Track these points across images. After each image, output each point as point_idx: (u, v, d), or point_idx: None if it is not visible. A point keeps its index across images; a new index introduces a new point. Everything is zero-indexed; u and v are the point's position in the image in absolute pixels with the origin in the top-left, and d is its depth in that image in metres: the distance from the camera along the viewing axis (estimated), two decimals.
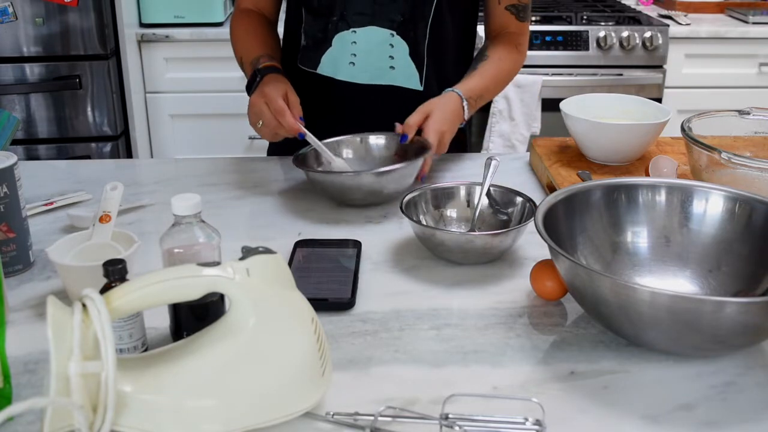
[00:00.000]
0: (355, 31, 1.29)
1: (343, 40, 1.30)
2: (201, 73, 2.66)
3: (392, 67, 1.32)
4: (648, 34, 2.62)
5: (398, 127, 1.22)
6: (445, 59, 1.35)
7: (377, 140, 1.28)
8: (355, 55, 1.31)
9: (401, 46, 1.30)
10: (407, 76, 1.33)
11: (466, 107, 1.24)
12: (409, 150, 1.22)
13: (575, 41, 2.63)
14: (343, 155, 1.27)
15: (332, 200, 1.19)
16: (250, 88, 1.26)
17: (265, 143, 1.50)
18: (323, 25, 1.31)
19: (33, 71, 2.40)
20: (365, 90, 1.32)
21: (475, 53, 1.39)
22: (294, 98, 1.20)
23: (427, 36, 1.31)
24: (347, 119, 1.32)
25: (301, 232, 1.10)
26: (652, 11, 2.98)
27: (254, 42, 1.33)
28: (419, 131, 1.20)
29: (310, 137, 1.19)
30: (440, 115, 1.20)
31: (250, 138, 2.71)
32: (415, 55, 1.32)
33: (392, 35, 1.29)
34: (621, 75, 2.64)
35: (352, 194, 1.15)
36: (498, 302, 0.93)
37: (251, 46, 1.32)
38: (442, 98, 1.24)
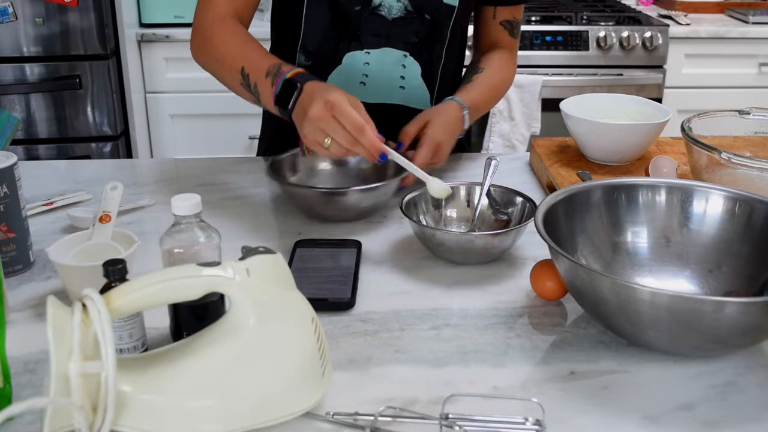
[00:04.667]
0: (368, 53, 1.27)
1: (354, 59, 1.28)
2: (201, 73, 2.61)
3: (402, 87, 1.30)
4: (648, 34, 2.62)
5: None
6: (454, 78, 1.35)
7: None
8: (366, 75, 1.29)
9: (413, 67, 1.29)
10: (418, 96, 1.31)
11: (466, 116, 1.22)
12: (390, 164, 1.17)
13: (575, 41, 2.63)
14: (320, 167, 1.21)
15: (305, 214, 1.14)
16: (281, 101, 1.06)
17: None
18: (334, 44, 1.27)
19: (33, 71, 2.40)
20: (373, 109, 1.18)
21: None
22: (364, 111, 1.01)
23: (443, 58, 1.31)
24: None
25: (301, 232, 1.10)
26: (652, 11, 2.98)
27: (258, 50, 1.14)
28: (416, 141, 1.17)
29: (397, 156, 1.04)
30: (439, 124, 1.17)
31: (250, 138, 2.71)
32: (427, 77, 1.31)
33: (405, 56, 1.28)
34: (621, 75, 2.64)
35: (325, 210, 1.11)
36: (498, 302, 0.93)
37: (255, 54, 1.13)
38: (442, 107, 1.21)
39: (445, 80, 1.33)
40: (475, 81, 1.28)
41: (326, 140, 0.98)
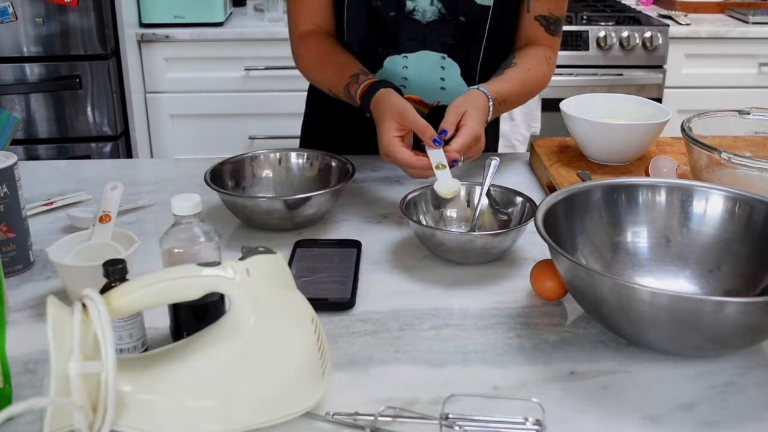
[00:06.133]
0: (406, 57, 1.28)
1: (394, 63, 1.29)
2: (201, 73, 2.66)
3: (443, 88, 1.31)
4: (648, 34, 2.62)
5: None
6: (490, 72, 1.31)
7: (298, 159, 1.22)
8: (406, 78, 1.30)
9: (452, 68, 1.29)
10: (458, 95, 1.27)
11: (491, 108, 1.17)
12: (332, 172, 1.18)
13: (575, 41, 2.63)
14: (263, 174, 1.20)
15: (245, 223, 1.12)
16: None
17: (265, 143, 1.50)
18: (373, 48, 1.29)
19: (33, 71, 2.40)
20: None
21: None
22: (413, 121, 1.09)
23: (481, 56, 1.30)
24: None
25: (301, 232, 1.10)
26: (652, 11, 2.98)
27: (335, 68, 1.24)
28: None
29: (432, 154, 1.08)
30: (476, 115, 1.12)
31: (250, 138, 2.71)
32: (467, 75, 1.30)
33: (443, 58, 1.28)
34: (621, 75, 2.64)
35: (262, 219, 1.09)
36: (498, 302, 0.93)
37: (334, 74, 1.24)
38: (471, 96, 1.15)
39: (485, 78, 1.28)
40: (505, 75, 1.24)
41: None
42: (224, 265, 0.69)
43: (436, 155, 1.07)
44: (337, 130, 1.41)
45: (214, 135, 2.73)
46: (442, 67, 1.29)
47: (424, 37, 1.27)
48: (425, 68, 1.29)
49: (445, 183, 1.06)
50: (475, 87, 1.18)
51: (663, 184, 0.96)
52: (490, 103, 1.16)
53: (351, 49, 1.30)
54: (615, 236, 0.95)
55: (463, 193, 1.10)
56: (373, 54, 1.29)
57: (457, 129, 1.10)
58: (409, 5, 1.25)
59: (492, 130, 1.45)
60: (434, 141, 1.08)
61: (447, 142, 1.09)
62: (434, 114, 1.26)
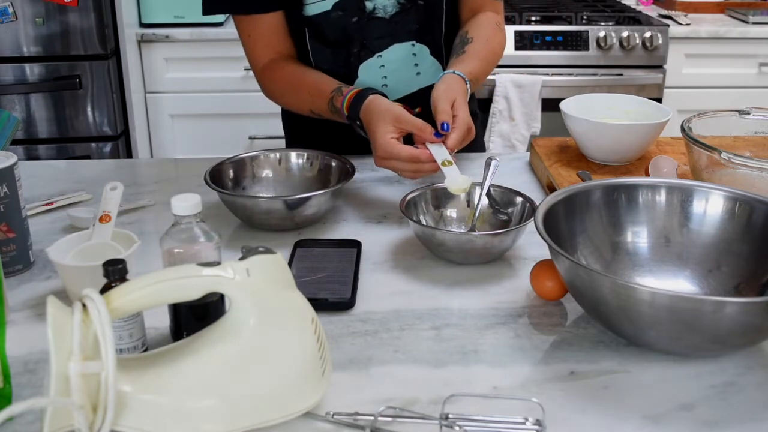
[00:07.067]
0: (380, 56, 1.28)
1: (369, 67, 1.29)
2: (201, 73, 2.66)
3: (418, 73, 1.32)
4: (648, 34, 2.62)
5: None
6: (451, 42, 1.33)
7: (298, 159, 1.22)
8: (385, 77, 1.30)
9: (423, 51, 1.30)
10: (432, 73, 1.32)
11: (468, 89, 1.17)
12: (332, 172, 1.18)
13: (575, 41, 2.63)
14: (263, 174, 1.20)
15: (244, 223, 1.12)
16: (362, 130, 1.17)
17: (265, 143, 1.50)
18: (344, 59, 1.29)
19: (33, 71, 2.40)
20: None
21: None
22: (410, 122, 1.09)
23: (444, 31, 1.31)
24: None
25: (301, 232, 1.10)
26: (652, 11, 2.98)
27: (311, 88, 1.24)
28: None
29: (434, 150, 1.08)
30: (463, 103, 1.12)
31: (251, 138, 2.71)
32: (436, 53, 1.32)
33: (413, 45, 1.29)
34: (621, 75, 2.64)
35: (262, 219, 1.09)
36: (498, 302, 0.93)
37: (310, 95, 1.24)
38: (451, 82, 1.15)
39: (449, 48, 1.32)
40: (469, 52, 1.24)
41: (398, 173, 1.11)
42: (224, 265, 0.69)
43: (439, 152, 1.07)
44: (320, 137, 1.37)
45: (214, 135, 2.73)
46: (414, 54, 1.30)
47: (392, 32, 1.27)
48: (401, 61, 1.29)
49: (456, 180, 1.05)
50: (450, 71, 1.17)
51: (663, 184, 0.96)
52: (468, 85, 1.17)
53: (321, 68, 1.29)
54: (615, 236, 0.95)
55: (463, 192, 1.10)
56: (345, 66, 1.29)
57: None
58: (369, 5, 1.25)
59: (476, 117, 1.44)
60: (435, 135, 1.08)
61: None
62: (410, 100, 1.27)
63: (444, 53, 1.33)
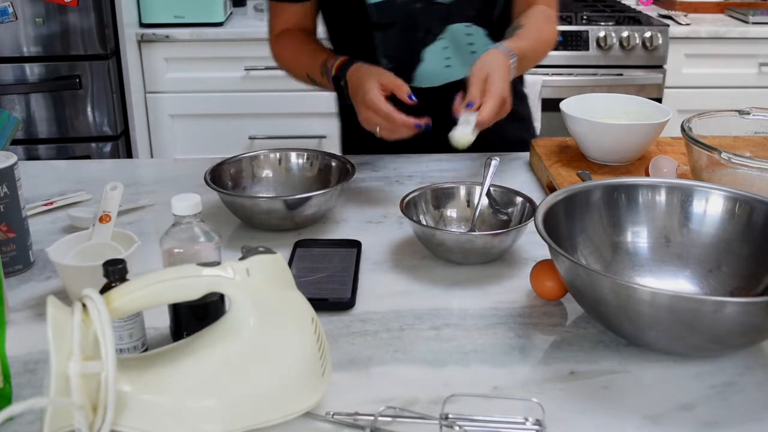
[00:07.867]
0: (442, 38, 1.32)
1: (434, 51, 1.33)
2: (201, 73, 2.66)
3: (473, 52, 1.34)
4: (648, 34, 2.62)
5: (457, 100, 1.15)
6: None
7: (298, 159, 1.22)
8: (449, 58, 1.34)
9: (478, 32, 1.33)
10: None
11: (513, 65, 1.17)
12: (332, 172, 1.18)
13: (575, 41, 2.63)
14: (263, 174, 1.20)
15: (244, 223, 1.12)
16: (341, 95, 1.25)
17: (265, 143, 1.50)
18: (408, 43, 1.33)
19: (33, 71, 2.40)
20: (457, 84, 1.24)
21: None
22: (392, 81, 1.16)
23: (499, 16, 1.34)
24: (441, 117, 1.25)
25: (301, 232, 1.10)
26: (652, 11, 2.98)
27: (309, 53, 1.33)
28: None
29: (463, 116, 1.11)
30: (499, 78, 1.12)
31: (250, 138, 2.71)
32: (492, 35, 1.34)
33: (467, 26, 1.32)
34: (621, 75, 2.64)
35: (262, 219, 1.08)
36: (498, 302, 0.93)
37: (309, 58, 1.32)
38: (490, 58, 1.15)
39: (504, 29, 1.33)
40: (518, 34, 1.25)
41: (377, 129, 1.16)
42: (224, 265, 0.69)
43: (468, 118, 1.10)
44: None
45: (214, 135, 2.73)
46: (469, 34, 1.33)
47: (450, 13, 1.31)
48: (460, 42, 1.33)
49: (457, 131, 1.09)
50: (494, 46, 1.19)
51: (663, 184, 0.96)
52: (513, 59, 1.18)
53: (386, 55, 1.34)
54: (615, 236, 0.95)
55: (463, 193, 1.10)
56: (411, 49, 1.33)
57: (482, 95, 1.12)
58: None
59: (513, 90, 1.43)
60: (468, 105, 1.11)
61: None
62: (445, 91, 1.27)
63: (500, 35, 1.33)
